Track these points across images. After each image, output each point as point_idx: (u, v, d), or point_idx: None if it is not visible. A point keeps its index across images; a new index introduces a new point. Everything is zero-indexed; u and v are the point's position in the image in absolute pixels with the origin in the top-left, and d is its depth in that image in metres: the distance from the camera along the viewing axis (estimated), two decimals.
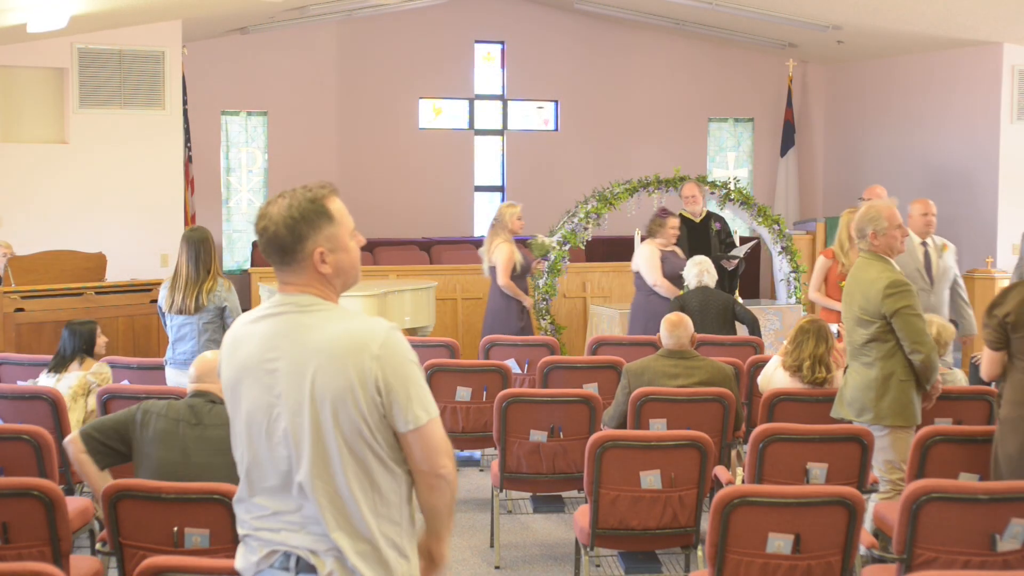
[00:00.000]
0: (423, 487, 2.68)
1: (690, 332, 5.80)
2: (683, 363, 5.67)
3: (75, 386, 5.94)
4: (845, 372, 5.38)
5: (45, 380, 6.08)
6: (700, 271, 7.74)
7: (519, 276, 8.25)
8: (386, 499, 2.65)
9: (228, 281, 6.46)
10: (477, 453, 7.55)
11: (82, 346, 6.24)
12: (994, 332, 4.70)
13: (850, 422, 5.17)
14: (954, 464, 4.82)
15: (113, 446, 4.01)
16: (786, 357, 5.75)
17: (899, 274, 5.21)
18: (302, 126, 13.62)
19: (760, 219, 10.05)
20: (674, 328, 5.73)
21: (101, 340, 6.45)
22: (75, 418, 5.83)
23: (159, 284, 6.82)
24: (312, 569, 2.62)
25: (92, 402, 5.87)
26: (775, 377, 5.79)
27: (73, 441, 3.96)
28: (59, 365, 6.17)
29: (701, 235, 8.99)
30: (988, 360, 4.82)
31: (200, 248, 6.25)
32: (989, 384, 5.16)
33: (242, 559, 2.74)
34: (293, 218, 2.64)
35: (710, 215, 9.32)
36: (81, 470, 3.98)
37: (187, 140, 11.57)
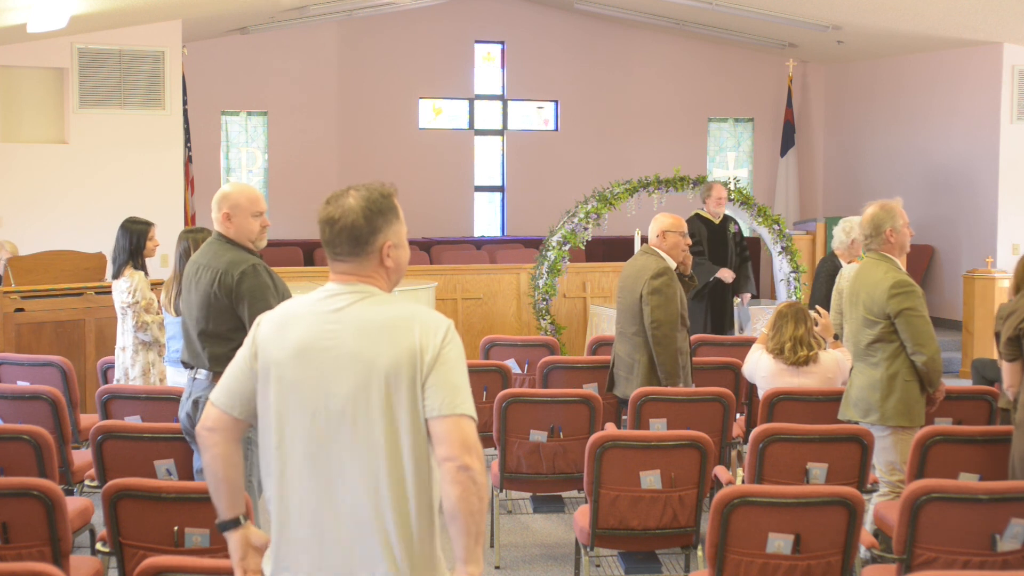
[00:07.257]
0: (447, 481, 2.58)
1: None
2: None
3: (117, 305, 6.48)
4: (852, 372, 5.37)
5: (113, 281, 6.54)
6: None
7: None
8: (429, 492, 2.65)
9: None
10: None
11: (131, 248, 6.50)
12: (1006, 343, 4.73)
13: (856, 423, 5.17)
14: (954, 464, 4.81)
15: None
16: (768, 342, 5.91)
17: (904, 274, 5.20)
18: (302, 126, 13.62)
19: (760, 219, 10.05)
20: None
21: (151, 244, 6.64)
22: (122, 328, 6.48)
23: (159, 284, 6.83)
24: None
25: (128, 322, 6.41)
26: (761, 362, 5.90)
27: None
28: (117, 271, 6.51)
29: (719, 237, 9.05)
30: (1006, 372, 4.86)
31: (186, 249, 6.23)
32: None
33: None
34: (372, 210, 2.71)
35: (727, 217, 9.33)
36: None
37: (187, 140, 11.56)
